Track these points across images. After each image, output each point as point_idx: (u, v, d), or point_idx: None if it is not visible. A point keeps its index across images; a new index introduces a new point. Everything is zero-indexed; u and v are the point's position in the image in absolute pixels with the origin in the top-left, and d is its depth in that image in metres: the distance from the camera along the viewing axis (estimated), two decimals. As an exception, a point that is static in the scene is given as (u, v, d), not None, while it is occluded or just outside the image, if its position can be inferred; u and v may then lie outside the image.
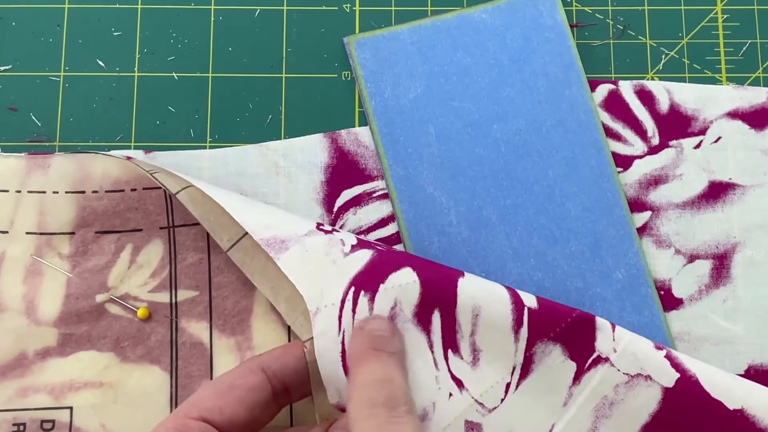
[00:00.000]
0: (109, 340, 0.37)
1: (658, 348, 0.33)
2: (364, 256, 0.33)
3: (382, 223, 0.39)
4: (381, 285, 0.32)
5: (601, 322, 0.33)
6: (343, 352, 0.31)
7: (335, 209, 0.39)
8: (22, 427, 0.36)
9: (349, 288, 0.32)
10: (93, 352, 0.37)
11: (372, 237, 0.39)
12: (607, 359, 0.33)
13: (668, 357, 0.33)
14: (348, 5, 0.42)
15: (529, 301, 0.33)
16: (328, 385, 0.31)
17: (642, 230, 0.39)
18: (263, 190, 0.39)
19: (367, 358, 0.30)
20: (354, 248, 0.33)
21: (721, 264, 0.39)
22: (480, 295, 0.33)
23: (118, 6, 0.41)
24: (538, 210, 0.39)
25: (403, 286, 0.32)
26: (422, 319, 0.32)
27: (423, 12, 0.42)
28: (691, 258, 0.39)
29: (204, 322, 0.37)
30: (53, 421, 0.36)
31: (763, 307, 0.39)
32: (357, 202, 0.39)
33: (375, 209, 0.39)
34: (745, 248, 0.39)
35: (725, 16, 0.42)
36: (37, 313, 0.37)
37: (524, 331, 0.32)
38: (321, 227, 0.34)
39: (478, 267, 0.38)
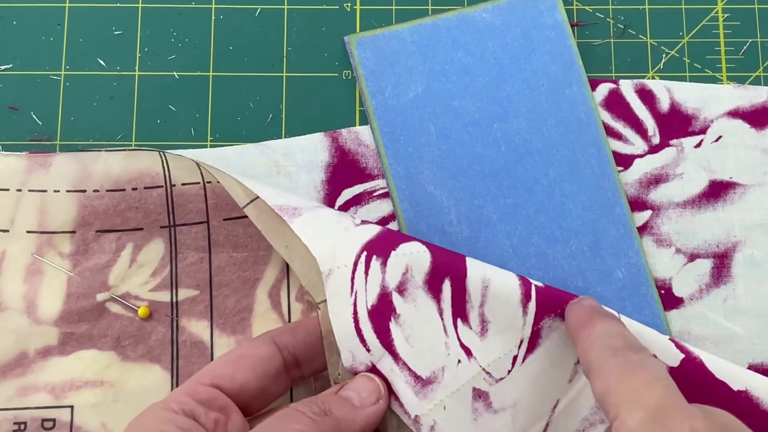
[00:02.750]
0: (110, 339, 0.37)
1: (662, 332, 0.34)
2: (375, 228, 0.34)
3: (383, 222, 0.39)
4: (392, 252, 0.33)
5: (606, 308, 0.33)
6: (355, 313, 0.32)
7: (336, 208, 0.39)
8: (22, 426, 0.36)
9: (361, 252, 0.33)
10: (94, 351, 0.37)
11: (372, 236, 0.39)
12: None
13: (672, 340, 0.34)
14: (349, 4, 0.42)
15: (537, 280, 0.34)
16: (342, 347, 0.32)
17: (642, 229, 0.39)
18: (264, 189, 0.39)
19: (595, 318, 0.30)
20: (365, 222, 0.34)
21: (722, 263, 0.39)
22: (489, 270, 0.33)
23: (118, 5, 0.41)
24: (539, 209, 0.39)
25: (414, 254, 0.33)
26: (433, 287, 0.33)
27: (423, 11, 0.42)
28: (692, 257, 0.39)
29: (205, 321, 0.37)
30: (54, 420, 0.36)
31: (764, 306, 0.39)
32: (357, 201, 0.39)
33: (375, 208, 0.39)
34: (745, 247, 0.39)
35: (726, 15, 0.42)
36: (37, 312, 0.37)
37: (532, 305, 0.33)
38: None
39: (479, 266, 0.38)
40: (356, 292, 0.32)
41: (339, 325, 0.32)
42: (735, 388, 0.33)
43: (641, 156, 0.40)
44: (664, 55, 0.42)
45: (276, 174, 0.39)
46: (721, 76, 0.42)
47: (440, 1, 0.42)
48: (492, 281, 0.33)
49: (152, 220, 0.38)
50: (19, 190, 0.38)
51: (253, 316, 0.37)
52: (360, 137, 0.40)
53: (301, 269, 0.35)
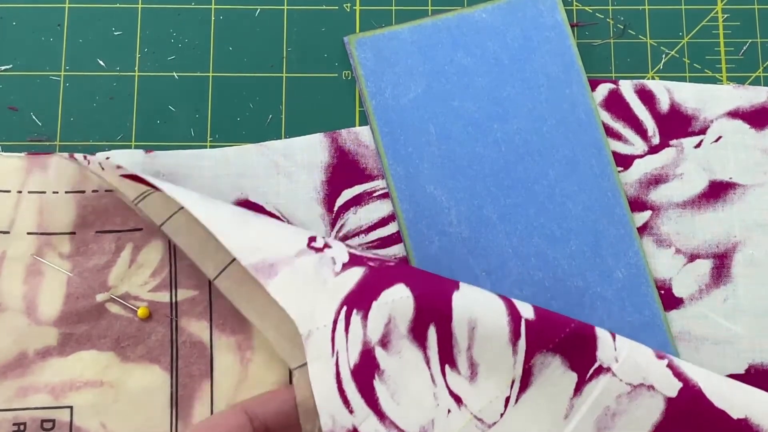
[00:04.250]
0: (110, 339, 0.37)
1: (660, 357, 0.33)
2: (356, 274, 0.32)
3: (383, 222, 0.39)
4: (374, 302, 0.32)
5: (601, 332, 0.33)
6: (338, 374, 0.31)
7: (335, 208, 0.39)
8: (22, 427, 0.36)
9: (341, 307, 0.32)
10: (93, 352, 0.37)
11: (372, 236, 0.39)
12: (608, 369, 0.32)
13: (670, 366, 0.33)
14: (348, 5, 0.42)
15: (526, 312, 0.33)
16: (322, 412, 0.31)
17: (642, 229, 0.39)
18: (263, 189, 0.39)
19: None
20: (345, 267, 0.33)
21: (722, 263, 0.39)
22: (475, 308, 0.32)
23: (118, 5, 0.41)
24: (539, 209, 0.39)
25: (396, 301, 0.32)
26: (418, 334, 0.32)
27: (423, 11, 0.42)
28: (692, 257, 0.39)
29: (204, 322, 0.37)
30: (53, 421, 0.36)
31: (764, 306, 0.39)
32: (357, 201, 0.39)
33: (375, 208, 0.39)
34: (745, 247, 0.39)
35: (725, 16, 0.42)
36: (37, 313, 0.37)
37: (522, 343, 0.32)
38: (312, 244, 0.34)
39: (479, 266, 0.38)
40: (338, 352, 0.31)
41: (320, 388, 0.31)
42: (735, 417, 0.32)
43: (641, 156, 0.40)
44: (663, 56, 0.42)
45: (276, 174, 0.39)
46: (721, 76, 0.42)
47: (440, 1, 0.42)
48: (479, 321, 0.32)
49: (151, 221, 0.38)
50: (20, 192, 0.38)
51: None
52: (360, 138, 0.40)
53: (275, 337, 0.34)
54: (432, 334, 0.32)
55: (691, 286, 0.39)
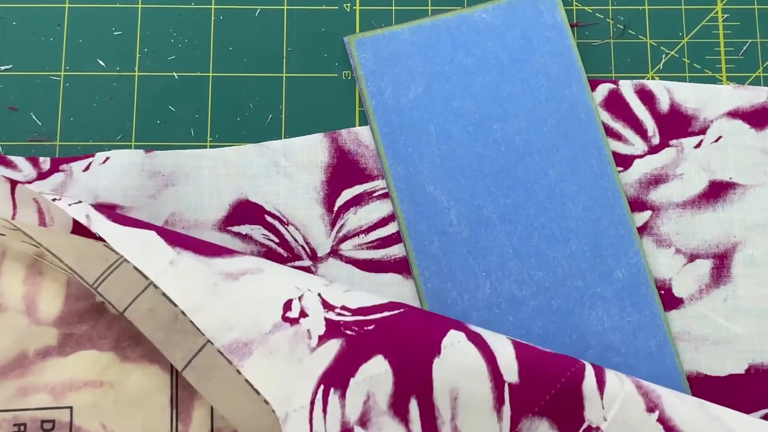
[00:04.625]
0: (110, 339, 0.37)
1: (650, 410, 0.32)
2: (332, 348, 0.32)
3: (383, 222, 0.39)
4: (351, 379, 0.31)
5: (589, 389, 0.32)
6: None
7: (335, 209, 0.39)
8: (22, 428, 0.36)
9: (317, 387, 0.31)
10: (93, 352, 0.37)
11: (372, 236, 0.39)
12: (597, 429, 0.31)
13: (661, 420, 0.32)
14: (348, 5, 0.42)
15: (510, 373, 0.31)
16: None
17: (642, 229, 0.39)
18: (263, 189, 0.39)
19: None
20: (321, 340, 0.32)
21: (722, 263, 0.39)
22: (457, 376, 0.31)
23: (118, 5, 0.41)
24: (539, 209, 0.39)
25: (374, 377, 0.31)
26: (399, 409, 0.31)
27: (423, 12, 0.42)
28: (692, 257, 0.39)
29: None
30: (53, 421, 0.36)
31: (764, 306, 0.39)
32: (357, 201, 0.39)
33: (375, 209, 0.39)
34: (745, 248, 0.39)
35: (725, 16, 0.42)
36: (37, 313, 0.37)
37: (506, 410, 0.31)
38: (288, 314, 0.32)
39: (479, 266, 0.38)
40: None
41: None
42: None
43: (641, 156, 0.40)
44: (663, 56, 0.42)
45: (276, 174, 0.39)
46: (721, 76, 0.42)
47: (440, 1, 0.42)
48: (461, 391, 0.31)
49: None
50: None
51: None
52: (360, 138, 0.40)
53: (251, 424, 0.33)
54: (414, 407, 0.31)
55: (691, 286, 0.39)
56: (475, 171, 0.39)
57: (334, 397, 0.31)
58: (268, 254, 0.38)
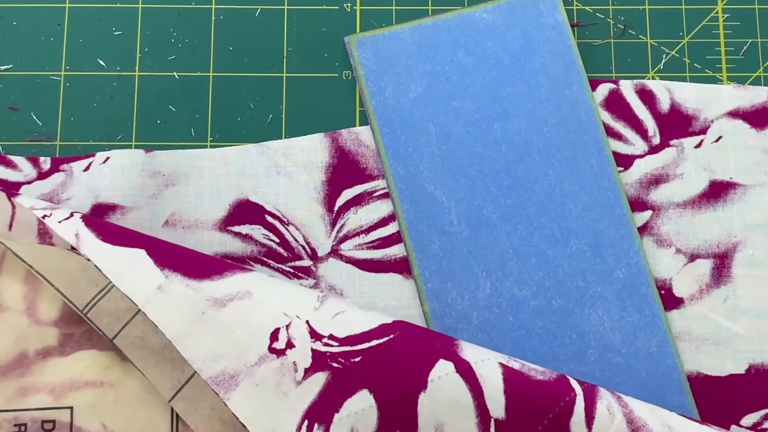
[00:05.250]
0: (110, 339, 0.37)
1: None
2: (318, 382, 0.32)
3: (383, 222, 0.39)
4: (336, 414, 0.31)
5: (577, 426, 0.31)
6: None
7: (336, 208, 0.39)
8: (23, 428, 0.36)
9: (302, 422, 0.31)
10: (94, 352, 0.37)
11: (372, 236, 0.39)
12: None
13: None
14: (349, 5, 0.42)
15: (497, 409, 0.31)
16: None
17: (643, 229, 0.39)
18: (263, 189, 0.39)
19: None
20: (307, 373, 0.32)
21: (722, 263, 0.39)
22: (442, 411, 0.31)
23: (118, 5, 0.41)
24: (539, 209, 0.39)
25: (359, 413, 0.31)
26: None
27: (423, 11, 0.42)
28: (692, 257, 0.39)
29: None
30: (54, 422, 0.36)
31: (764, 306, 0.39)
32: (358, 201, 0.39)
33: (376, 208, 0.39)
34: (745, 247, 0.39)
35: (726, 16, 0.42)
36: (37, 313, 0.37)
37: None
38: (275, 345, 0.32)
39: (479, 266, 0.38)
40: None
41: None
42: None
43: (641, 156, 0.40)
44: (664, 56, 0.42)
45: (276, 174, 0.39)
46: (721, 76, 0.42)
47: (440, 1, 0.42)
48: (446, 427, 0.31)
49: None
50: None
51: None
52: (360, 138, 0.40)
53: None
54: None
55: (691, 286, 0.39)
56: (476, 171, 0.39)
57: None
58: (269, 254, 0.38)
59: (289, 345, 0.32)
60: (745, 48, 0.42)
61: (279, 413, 0.31)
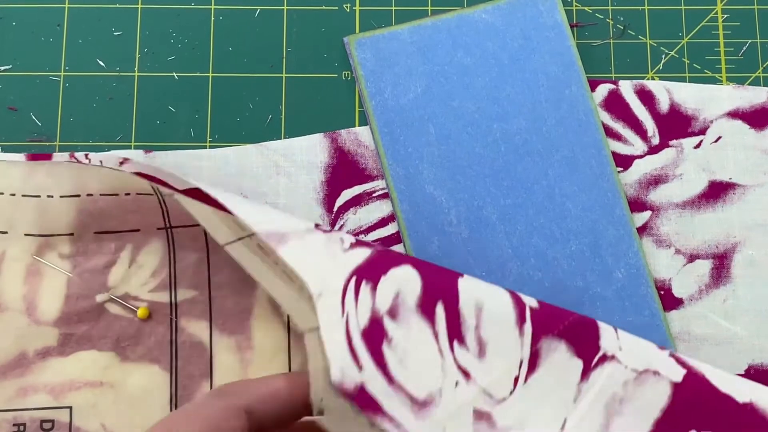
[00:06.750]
0: (109, 339, 0.37)
1: (662, 349, 0.34)
2: (364, 252, 0.33)
3: (382, 222, 0.39)
4: (383, 276, 0.32)
5: (603, 324, 0.33)
6: (348, 333, 0.31)
7: (335, 209, 0.39)
8: (22, 428, 0.36)
9: (350, 277, 0.32)
10: (93, 352, 0.37)
11: (372, 237, 0.39)
12: (613, 357, 0.33)
13: (672, 356, 0.34)
14: (348, 5, 0.42)
15: (530, 301, 0.33)
16: (332, 363, 0.30)
17: (642, 230, 0.39)
18: (263, 190, 0.39)
19: None
20: (353, 246, 0.33)
21: (722, 264, 0.39)
22: (481, 294, 0.33)
23: (118, 6, 0.41)
24: (538, 210, 0.39)
25: (404, 279, 0.32)
26: (426, 309, 0.32)
27: (423, 12, 0.42)
28: (691, 258, 0.39)
29: (204, 322, 0.37)
30: (53, 421, 0.36)
31: (764, 306, 0.39)
32: (357, 201, 0.39)
33: (375, 209, 0.39)
34: (745, 248, 0.39)
35: (725, 16, 0.42)
36: (37, 313, 0.37)
37: (528, 327, 0.32)
38: (319, 228, 0.34)
39: (478, 266, 0.38)
40: (347, 314, 0.31)
41: (331, 342, 0.31)
42: (740, 401, 0.33)
43: (641, 157, 0.40)
44: (663, 56, 0.42)
45: (276, 174, 0.39)
46: (721, 76, 0.42)
47: (440, 1, 0.42)
48: (485, 304, 0.32)
49: (149, 222, 0.38)
50: (13, 195, 0.37)
51: (253, 317, 0.37)
52: (359, 138, 0.40)
53: (287, 301, 0.34)
54: (440, 310, 0.32)
55: (690, 287, 0.39)
56: (475, 171, 0.39)
57: (365, 287, 0.32)
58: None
59: (333, 231, 0.34)
60: (744, 48, 0.42)
61: (328, 267, 0.32)
